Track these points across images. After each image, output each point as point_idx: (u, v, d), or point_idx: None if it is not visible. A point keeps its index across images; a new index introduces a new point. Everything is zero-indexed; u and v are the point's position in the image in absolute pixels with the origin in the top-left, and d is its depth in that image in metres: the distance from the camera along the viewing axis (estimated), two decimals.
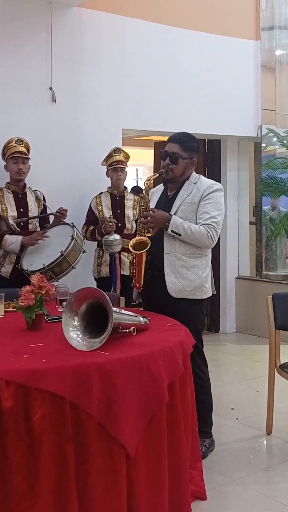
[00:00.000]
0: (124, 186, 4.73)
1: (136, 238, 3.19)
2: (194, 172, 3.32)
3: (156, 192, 3.40)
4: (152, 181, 3.28)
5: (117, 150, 4.63)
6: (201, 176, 3.34)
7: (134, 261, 3.22)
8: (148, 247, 3.14)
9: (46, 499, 2.02)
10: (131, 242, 3.19)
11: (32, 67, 4.67)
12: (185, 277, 3.17)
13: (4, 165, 4.22)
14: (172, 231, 3.13)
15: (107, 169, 4.64)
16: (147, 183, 3.23)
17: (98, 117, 5.03)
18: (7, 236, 4.01)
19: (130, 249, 3.18)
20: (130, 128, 5.35)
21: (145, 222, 3.14)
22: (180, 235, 3.13)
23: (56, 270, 3.88)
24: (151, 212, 3.17)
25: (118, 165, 4.58)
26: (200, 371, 3.26)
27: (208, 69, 5.76)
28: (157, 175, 3.24)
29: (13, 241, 4.00)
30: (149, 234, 3.15)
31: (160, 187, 3.42)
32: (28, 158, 4.16)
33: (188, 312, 3.18)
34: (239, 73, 6.05)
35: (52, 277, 3.83)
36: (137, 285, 3.23)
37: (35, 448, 2.00)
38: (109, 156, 4.62)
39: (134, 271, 3.23)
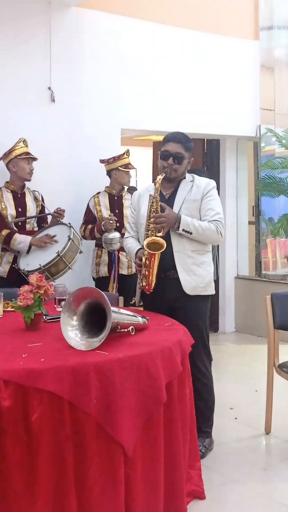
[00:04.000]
0: (122, 186, 4.73)
1: (151, 238, 3.11)
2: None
3: (145, 194, 3.33)
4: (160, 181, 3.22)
5: (128, 152, 4.66)
6: (194, 174, 3.37)
7: (147, 262, 3.12)
8: (164, 248, 3.08)
9: (45, 498, 2.02)
10: (145, 242, 3.11)
11: (31, 67, 4.67)
12: (197, 274, 3.21)
13: (7, 165, 4.21)
14: (183, 230, 3.13)
15: (118, 169, 4.59)
16: (157, 183, 3.18)
17: (97, 117, 5.03)
18: (17, 235, 4.02)
19: (145, 249, 3.09)
20: (129, 128, 5.35)
21: (159, 222, 3.10)
22: (191, 233, 3.14)
23: (52, 270, 3.89)
24: (161, 211, 3.14)
25: (130, 168, 4.61)
26: (206, 370, 3.28)
27: (207, 69, 5.76)
28: (164, 175, 3.20)
29: (22, 240, 4.02)
30: (160, 234, 3.11)
31: (150, 188, 3.36)
32: (36, 159, 4.19)
33: (200, 309, 3.25)
34: (238, 73, 6.05)
35: (48, 277, 3.83)
36: (147, 287, 3.15)
37: (33, 447, 2.01)
38: (121, 157, 4.62)
39: (146, 272, 3.13)
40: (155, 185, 3.20)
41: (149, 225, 3.14)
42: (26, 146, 4.21)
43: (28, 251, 4.03)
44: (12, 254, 4.09)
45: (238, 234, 6.54)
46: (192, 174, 3.35)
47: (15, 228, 4.08)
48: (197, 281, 3.20)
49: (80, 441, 2.07)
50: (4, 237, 4.01)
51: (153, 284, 3.14)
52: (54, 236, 4.02)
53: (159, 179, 3.18)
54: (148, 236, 3.12)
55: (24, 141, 4.21)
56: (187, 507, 2.55)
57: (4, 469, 1.98)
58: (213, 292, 3.32)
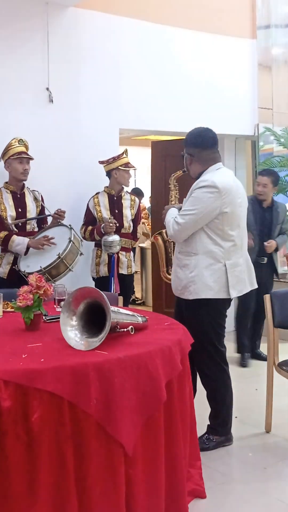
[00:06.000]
0: (121, 186, 4.73)
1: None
2: (211, 167, 3.24)
3: None
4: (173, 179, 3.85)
5: (126, 152, 4.66)
6: (208, 172, 3.22)
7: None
8: (159, 232, 3.74)
9: (45, 498, 2.02)
10: (155, 234, 3.83)
11: (29, 68, 4.67)
12: (178, 276, 3.24)
13: (4, 165, 4.21)
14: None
15: (119, 168, 4.59)
16: (172, 180, 3.75)
17: (95, 117, 5.03)
18: (14, 237, 4.02)
19: (151, 238, 3.67)
20: (127, 127, 5.35)
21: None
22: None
23: (53, 272, 3.89)
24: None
25: (130, 167, 4.63)
26: (209, 371, 3.27)
27: (204, 68, 5.76)
28: (181, 173, 3.58)
29: (20, 242, 4.01)
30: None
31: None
32: (32, 159, 4.17)
33: (190, 312, 3.23)
34: (236, 71, 6.05)
35: (49, 279, 3.83)
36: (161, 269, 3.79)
37: (34, 447, 2.01)
38: (120, 157, 4.62)
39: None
40: (170, 182, 3.81)
41: None
42: (23, 145, 4.17)
43: (26, 253, 4.03)
44: (12, 255, 4.08)
45: None
46: (208, 172, 3.21)
47: (15, 229, 4.08)
48: (176, 282, 3.26)
49: (80, 441, 2.08)
50: (2, 239, 4.01)
51: (163, 269, 3.90)
52: (52, 238, 4.01)
53: (175, 176, 3.83)
54: None
55: (20, 141, 4.17)
56: (188, 506, 2.56)
57: (4, 469, 1.99)
58: (190, 297, 3.14)
